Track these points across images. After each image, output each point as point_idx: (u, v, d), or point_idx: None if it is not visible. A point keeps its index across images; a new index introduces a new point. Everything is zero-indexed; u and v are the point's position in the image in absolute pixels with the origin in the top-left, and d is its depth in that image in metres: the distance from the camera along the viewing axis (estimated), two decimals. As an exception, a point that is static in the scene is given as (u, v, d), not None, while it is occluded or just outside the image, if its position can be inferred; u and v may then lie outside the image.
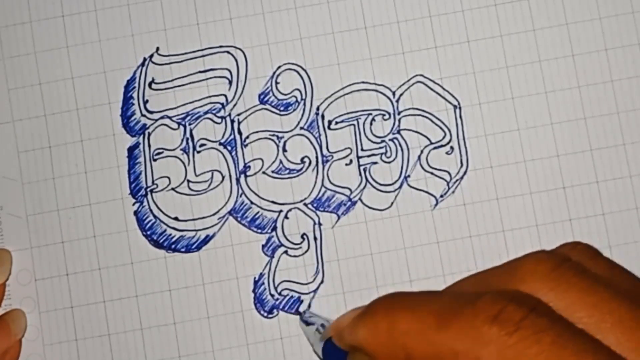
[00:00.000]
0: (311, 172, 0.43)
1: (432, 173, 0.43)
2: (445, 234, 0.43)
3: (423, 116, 0.43)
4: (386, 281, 0.42)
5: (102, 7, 0.44)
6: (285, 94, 0.44)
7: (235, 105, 0.44)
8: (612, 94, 0.43)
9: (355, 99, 0.44)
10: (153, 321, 0.43)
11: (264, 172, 0.44)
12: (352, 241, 0.43)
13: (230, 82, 0.44)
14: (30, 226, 0.43)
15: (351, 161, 0.43)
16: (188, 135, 0.44)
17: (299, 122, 0.44)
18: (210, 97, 0.44)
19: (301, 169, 0.44)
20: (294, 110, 0.44)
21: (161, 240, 0.43)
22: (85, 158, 0.44)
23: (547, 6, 0.44)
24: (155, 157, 0.44)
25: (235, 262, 0.43)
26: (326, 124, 0.44)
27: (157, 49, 0.44)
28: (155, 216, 0.43)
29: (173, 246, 0.43)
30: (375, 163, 0.43)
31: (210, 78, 0.44)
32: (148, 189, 0.43)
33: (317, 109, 0.44)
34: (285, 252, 0.43)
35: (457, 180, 0.43)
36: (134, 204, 0.43)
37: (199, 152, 0.44)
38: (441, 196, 0.43)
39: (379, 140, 0.43)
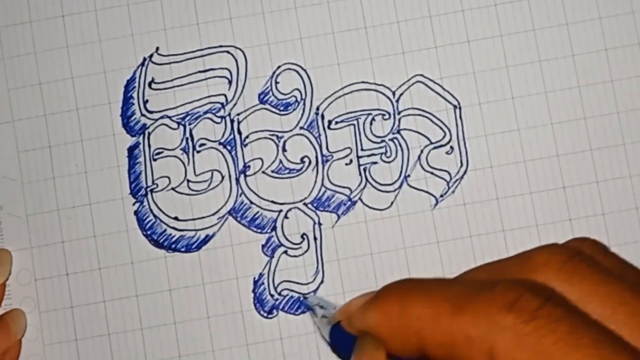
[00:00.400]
0: (311, 172, 0.43)
1: (432, 173, 0.43)
2: (445, 233, 0.43)
3: (423, 116, 0.43)
4: (386, 281, 0.42)
5: (102, 7, 0.44)
6: (285, 94, 0.44)
7: (235, 105, 0.44)
8: (612, 94, 0.43)
9: (355, 98, 0.44)
10: (153, 321, 0.43)
11: (263, 172, 0.44)
12: (352, 241, 0.43)
13: (230, 82, 0.44)
14: (30, 226, 0.43)
15: (351, 161, 0.43)
16: (188, 135, 0.44)
17: (298, 122, 0.44)
18: (210, 96, 0.44)
19: (301, 168, 0.43)
20: (294, 110, 0.44)
21: (161, 240, 0.43)
22: (85, 158, 0.44)
23: (547, 6, 0.44)
24: (155, 157, 0.44)
25: (235, 262, 0.43)
26: (326, 124, 0.44)
27: (157, 48, 0.44)
28: (155, 216, 0.43)
29: (173, 246, 0.43)
30: (375, 163, 0.43)
31: (210, 78, 0.44)
32: (148, 189, 0.43)
33: (317, 108, 0.44)
34: (285, 252, 0.43)
35: (457, 180, 0.43)
36: (134, 204, 0.43)
37: (198, 151, 0.44)
38: (441, 196, 0.43)
39: (379, 140, 0.43)
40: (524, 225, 0.43)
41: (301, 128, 0.44)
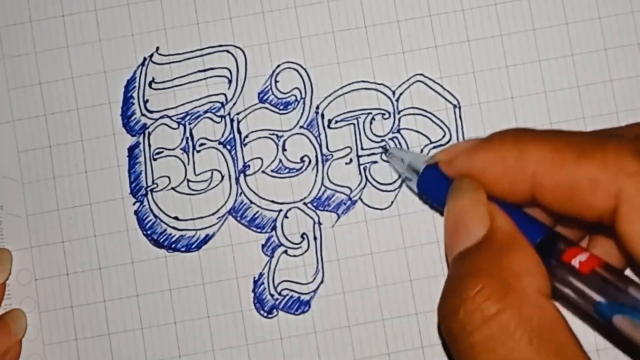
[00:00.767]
0: (311, 171, 0.43)
1: (432, 172, 0.43)
2: (445, 233, 0.43)
3: (423, 115, 0.43)
4: (386, 281, 0.43)
5: (102, 7, 0.44)
6: (284, 93, 0.44)
7: (234, 104, 0.44)
8: (611, 93, 0.43)
9: (355, 98, 0.44)
10: (153, 321, 0.43)
11: (263, 172, 0.44)
12: (352, 240, 0.43)
13: (230, 81, 0.44)
14: (30, 226, 0.43)
15: (351, 160, 0.43)
16: (188, 134, 0.44)
17: (298, 121, 0.44)
18: (209, 96, 0.44)
19: (301, 168, 0.44)
20: (294, 109, 0.44)
21: (161, 240, 0.43)
22: (86, 158, 0.44)
23: (546, 6, 0.44)
24: (156, 157, 0.44)
25: (235, 262, 0.43)
26: (326, 123, 0.44)
27: (157, 48, 0.44)
28: (155, 216, 0.43)
29: (173, 246, 0.43)
30: (375, 162, 0.43)
31: (210, 77, 0.44)
32: (148, 189, 0.43)
33: (317, 108, 0.44)
34: (285, 251, 0.43)
35: (457, 180, 0.43)
36: (134, 204, 0.43)
37: (198, 151, 0.44)
38: (441, 196, 0.43)
39: (378, 139, 0.43)
40: (524, 225, 0.43)
41: (301, 127, 0.44)
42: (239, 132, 0.44)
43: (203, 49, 0.44)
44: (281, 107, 0.44)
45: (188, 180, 0.43)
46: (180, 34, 0.44)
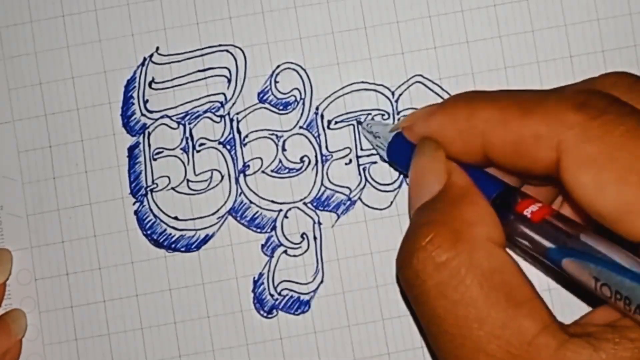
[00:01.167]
0: (311, 172, 0.44)
1: (431, 173, 0.43)
2: (444, 233, 0.43)
3: (422, 116, 0.44)
4: (386, 280, 0.43)
5: (102, 7, 0.44)
6: (284, 93, 0.44)
7: (234, 103, 0.44)
8: (610, 95, 0.43)
9: (354, 98, 0.44)
10: (153, 321, 0.43)
11: (263, 172, 0.44)
12: (352, 240, 0.43)
13: (230, 81, 0.44)
14: (30, 226, 0.43)
15: (351, 161, 0.44)
16: (188, 134, 0.44)
17: (298, 122, 0.44)
18: (209, 95, 0.44)
19: (300, 168, 0.44)
20: (293, 109, 0.44)
21: (161, 240, 0.43)
22: (86, 158, 0.44)
23: (546, 7, 0.44)
24: (155, 157, 0.44)
25: (234, 262, 0.43)
26: (325, 124, 0.44)
27: (157, 48, 0.44)
28: (155, 216, 0.43)
29: (173, 246, 0.43)
30: (374, 163, 0.43)
31: (210, 77, 0.44)
32: (148, 189, 0.43)
33: (317, 108, 0.44)
34: (285, 251, 0.43)
35: (456, 180, 0.43)
36: (134, 204, 0.43)
37: (198, 151, 0.44)
38: (440, 196, 0.43)
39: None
40: (523, 225, 0.43)
41: (301, 127, 0.44)
42: (239, 132, 0.44)
43: (203, 48, 0.44)
44: (281, 108, 0.44)
45: (188, 180, 0.44)
46: (180, 34, 0.44)
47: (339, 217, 0.43)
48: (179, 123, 0.44)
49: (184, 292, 0.43)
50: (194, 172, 0.44)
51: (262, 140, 0.44)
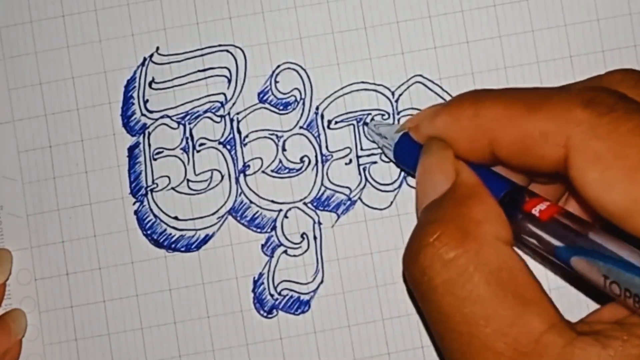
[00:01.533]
0: (311, 172, 0.44)
1: (431, 173, 0.43)
2: (445, 233, 0.43)
3: (422, 116, 0.44)
4: (386, 281, 0.43)
5: (102, 7, 0.44)
6: (284, 93, 0.44)
7: (234, 103, 0.44)
8: (610, 95, 0.43)
9: (354, 98, 0.44)
10: (153, 321, 0.43)
11: (263, 172, 0.44)
12: (352, 240, 0.43)
13: (230, 81, 0.44)
14: (30, 226, 0.43)
15: (351, 161, 0.44)
16: (188, 134, 0.44)
17: (298, 122, 0.44)
18: (209, 95, 0.44)
19: (300, 168, 0.44)
20: (293, 109, 0.44)
21: (161, 240, 0.43)
22: (86, 158, 0.44)
23: (546, 7, 0.44)
24: (155, 157, 0.44)
25: (234, 262, 0.43)
26: (325, 124, 0.44)
27: (157, 48, 0.44)
28: (155, 215, 0.43)
29: (173, 245, 0.43)
30: (374, 162, 0.43)
31: (210, 77, 0.44)
32: (148, 189, 0.43)
33: (317, 108, 0.44)
34: (285, 251, 0.43)
35: (456, 180, 0.43)
36: (134, 204, 0.43)
37: (198, 151, 0.44)
38: (440, 196, 0.43)
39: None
40: (523, 225, 0.43)
41: (301, 127, 0.44)
42: (239, 132, 0.44)
43: (203, 48, 0.44)
44: (281, 108, 0.44)
45: (188, 180, 0.44)
46: (180, 34, 0.44)
47: (339, 217, 0.43)
48: (179, 123, 0.44)
49: (184, 292, 0.43)
50: (194, 172, 0.44)
51: (262, 140, 0.44)
